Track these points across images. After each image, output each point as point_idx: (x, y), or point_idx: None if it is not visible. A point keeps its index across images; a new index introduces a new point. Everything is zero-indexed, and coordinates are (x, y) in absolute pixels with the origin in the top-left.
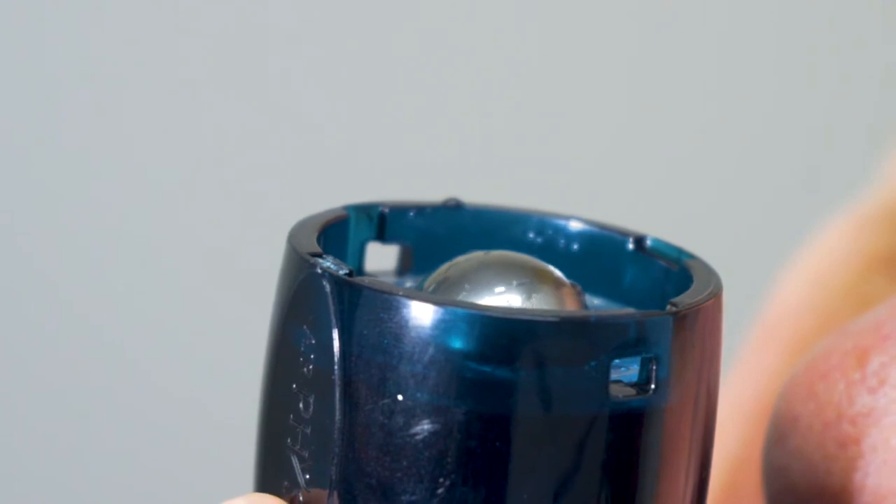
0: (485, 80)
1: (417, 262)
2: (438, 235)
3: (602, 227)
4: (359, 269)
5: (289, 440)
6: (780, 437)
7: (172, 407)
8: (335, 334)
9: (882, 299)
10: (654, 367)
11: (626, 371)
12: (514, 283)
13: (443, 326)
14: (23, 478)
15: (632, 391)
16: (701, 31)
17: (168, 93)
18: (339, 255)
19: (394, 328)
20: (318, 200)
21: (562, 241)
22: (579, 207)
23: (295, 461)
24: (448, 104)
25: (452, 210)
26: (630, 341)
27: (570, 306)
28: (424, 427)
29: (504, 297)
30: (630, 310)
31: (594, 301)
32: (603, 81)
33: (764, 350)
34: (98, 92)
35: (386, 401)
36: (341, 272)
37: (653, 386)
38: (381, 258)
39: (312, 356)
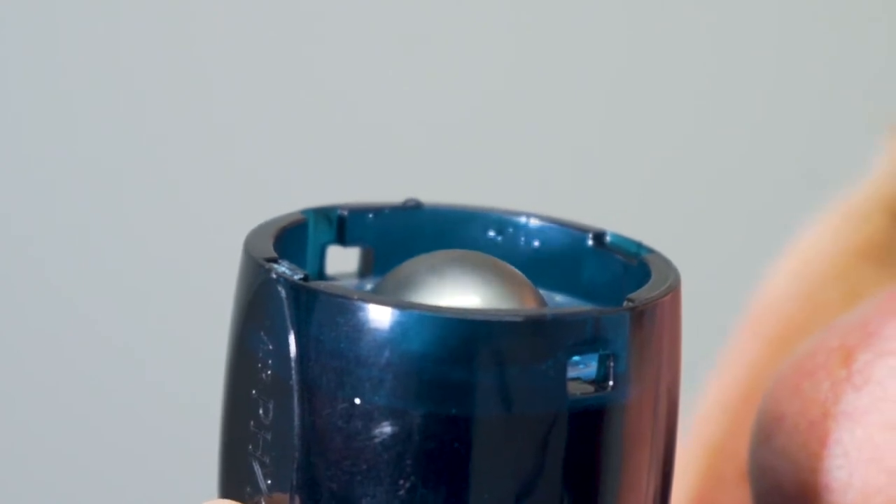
0: (444, 80)
1: (379, 263)
2: (399, 236)
3: (561, 223)
4: (319, 273)
5: (250, 446)
6: (766, 437)
7: (148, 406)
8: (292, 339)
9: (868, 289)
10: (612, 364)
11: (584, 368)
12: (470, 282)
13: (398, 329)
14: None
15: (590, 388)
16: (662, 27)
17: (116, 99)
18: (299, 259)
19: (350, 332)
20: (277, 205)
21: (522, 239)
22: (549, 205)
23: (257, 467)
24: (405, 104)
25: (412, 211)
26: (587, 338)
27: (528, 304)
28: (383, 430)
29: (460, 297)
30: (587, 306)
31: (555, 298)
32: (562, 75)
33: (749, 340)
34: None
35: (344, 405)
36: (296, 277)
37: (611, 382)
38: (341, 261)
39: (270, 361)
